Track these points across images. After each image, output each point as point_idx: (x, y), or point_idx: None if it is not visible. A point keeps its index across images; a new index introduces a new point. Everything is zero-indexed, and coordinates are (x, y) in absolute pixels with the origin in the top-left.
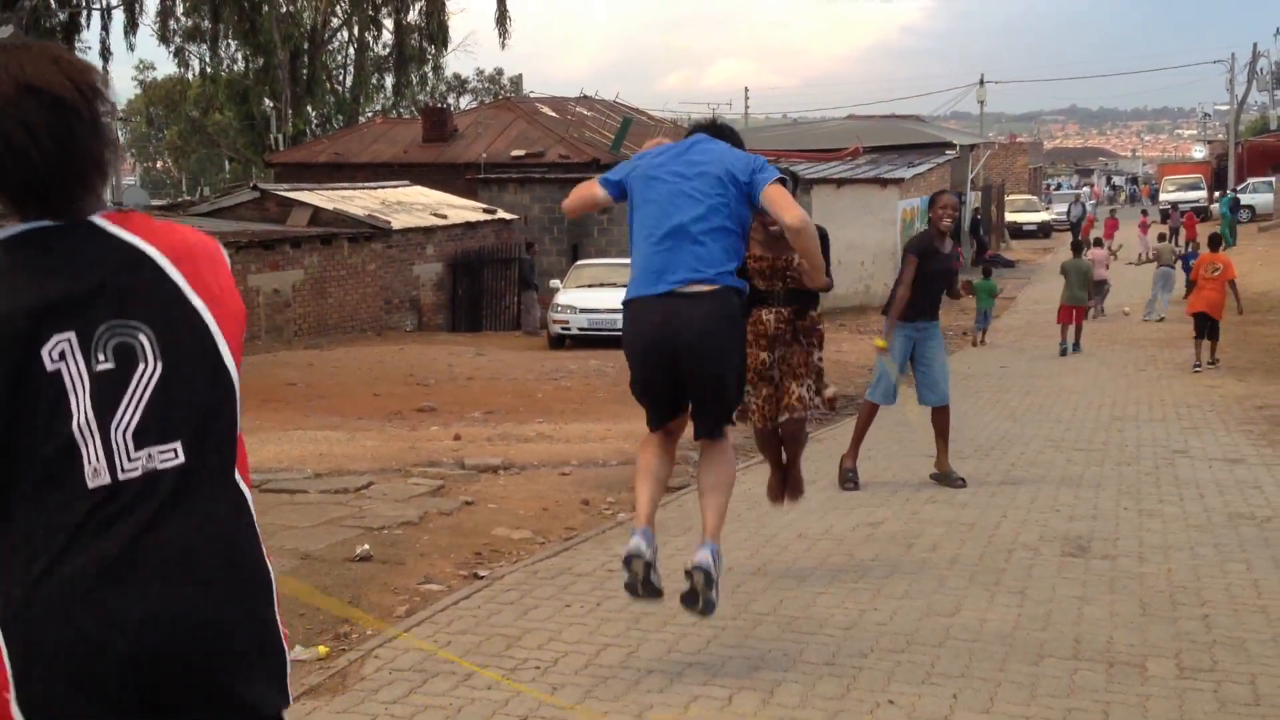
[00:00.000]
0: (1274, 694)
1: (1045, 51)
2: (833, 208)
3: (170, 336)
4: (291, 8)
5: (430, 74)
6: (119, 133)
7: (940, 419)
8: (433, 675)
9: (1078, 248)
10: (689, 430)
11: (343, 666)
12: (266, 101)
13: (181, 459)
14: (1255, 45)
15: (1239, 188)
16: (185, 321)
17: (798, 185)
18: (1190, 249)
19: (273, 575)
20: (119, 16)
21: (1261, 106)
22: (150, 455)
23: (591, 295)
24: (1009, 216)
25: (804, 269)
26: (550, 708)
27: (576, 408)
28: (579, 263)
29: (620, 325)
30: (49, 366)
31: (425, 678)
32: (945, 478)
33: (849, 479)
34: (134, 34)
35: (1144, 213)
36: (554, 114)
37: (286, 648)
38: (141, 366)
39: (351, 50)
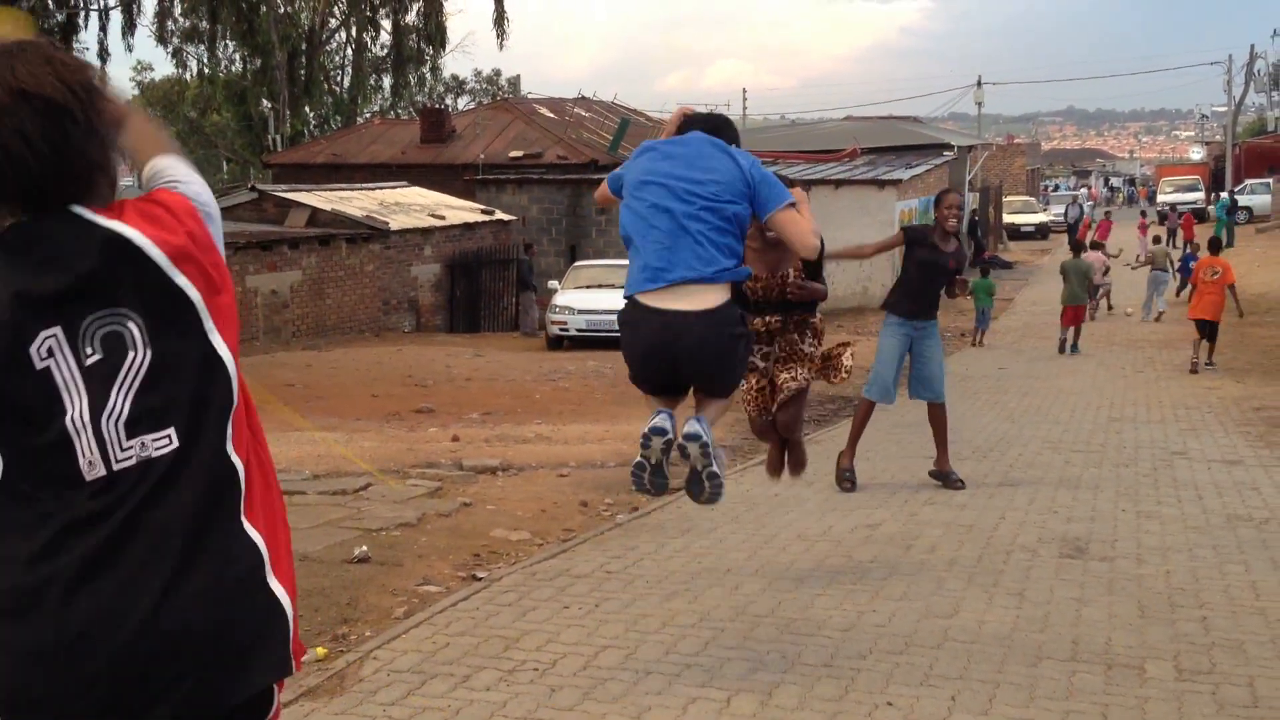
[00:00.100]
0: (1272, 696)
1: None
2: (830, 209)
3: (158, 322)
4: (289, 8)
5: (428, 75)
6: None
7: (936, 417)
8: (431, 677)
9: (1077, 248)
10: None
11: (341, 668)
12: (264, 102)
13: (176, 444)
14: (1253, 47)
15: (1237, 189)
16: (172, 306)
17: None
18: (1189, 250)
19: (260, 544)
20: (117, 17)
21: (1259, 108)
22: (144, 444)
23: (590, 296)
24: (1007, 218)
25: (808, 286)
26: (549, 709)
27: (574, 409)
28: (577, 264)
29: (617, 316)
30: (38, 364)
31: (424, 679)
32: (944, 477)
33: (846, 478)
34: (132, 35)
35: (1143, 214)
36: (552, 115)
37: (291, 606)
38: (131, 355)
39: (349, 51)
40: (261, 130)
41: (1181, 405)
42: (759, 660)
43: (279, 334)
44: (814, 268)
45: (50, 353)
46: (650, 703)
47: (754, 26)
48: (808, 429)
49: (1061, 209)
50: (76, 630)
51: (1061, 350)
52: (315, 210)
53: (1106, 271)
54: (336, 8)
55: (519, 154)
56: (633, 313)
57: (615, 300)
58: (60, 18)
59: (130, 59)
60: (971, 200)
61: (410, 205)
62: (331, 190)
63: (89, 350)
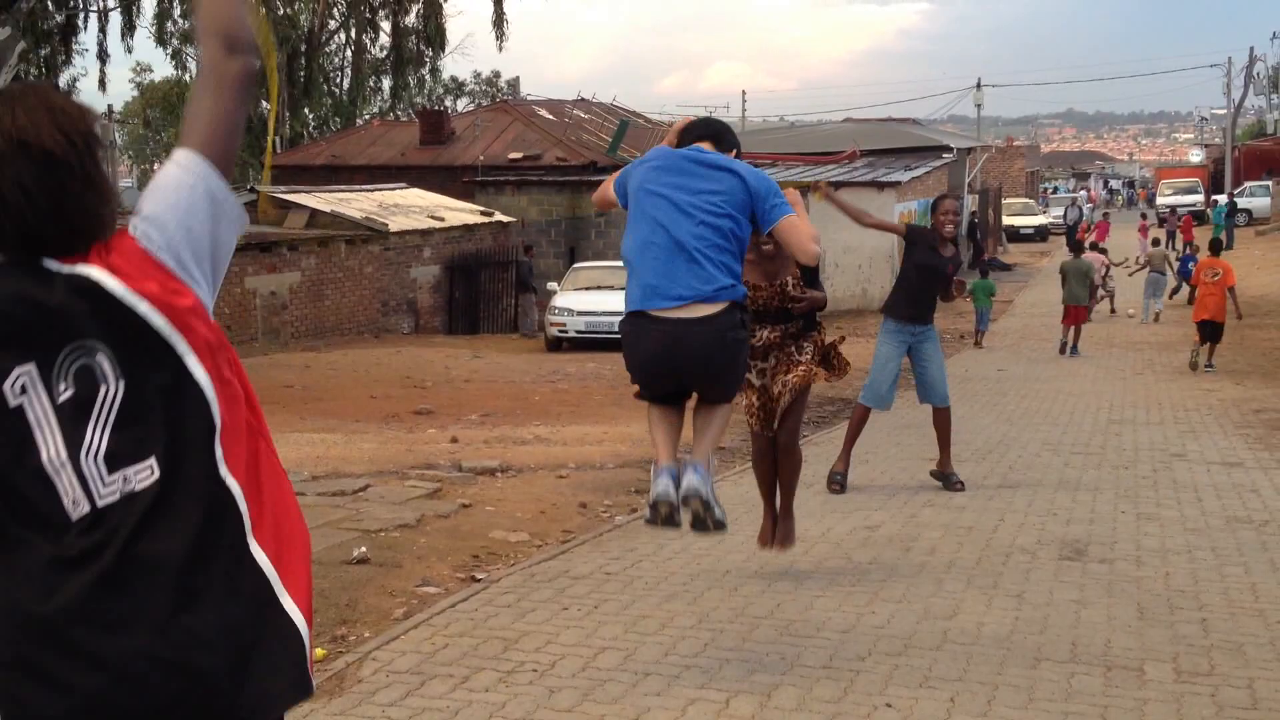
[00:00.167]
0: (1271, 698)
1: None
2: (829, 211)
3: (128, 352)
4: (289, 10)
5: (428, 77)
6: (114, 164)
7: (941, 420)
8: (430, 678)
9: (1077, 247)
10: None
11: (340, 669)
12: (263, 104)
13: (158, 474)
14: (1252, 49)
15: (1236, 192)
16: (139, 336)
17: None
18: (1188, 251)
19: (267, 566)
20: (116, 19)
21: (1258, 110)
22: (126, 477)
23: (589, 298)
24: (1006, 220)
25: (806, 297)
26: (548, 710)
27: (574, 410)
28: (576, 265)
29: (617, 329)
30: (11, 402)
31: (423, 680)
32: (945, 479)
33: (835, 481)
34: (131, 36)
35: (1143, 216)
36: (551, 116)
37: (306, 624)
38: (104, 388)
39: (349, 53)
40: (261, 132)
41: (1181, 407)
42: (758, 662)
43: (278, 335)
44: (811, 274)
45: (24, 389)
46: (649, 704)
47: (752, 29)
48: (806, 430)
49: (1060, 211)
50: (79, 676)
51: (1062, 352)
52: (314, 212)
53: (1107, 272)
54: (336, 9)
55: (518, 156)
56: (634, 323)
57: (614, 302)
58: (60, 19)
59: (130, 60)
60: (971, 202)
61: (409, 207)
62: (331, 192)
63: (61, 386)
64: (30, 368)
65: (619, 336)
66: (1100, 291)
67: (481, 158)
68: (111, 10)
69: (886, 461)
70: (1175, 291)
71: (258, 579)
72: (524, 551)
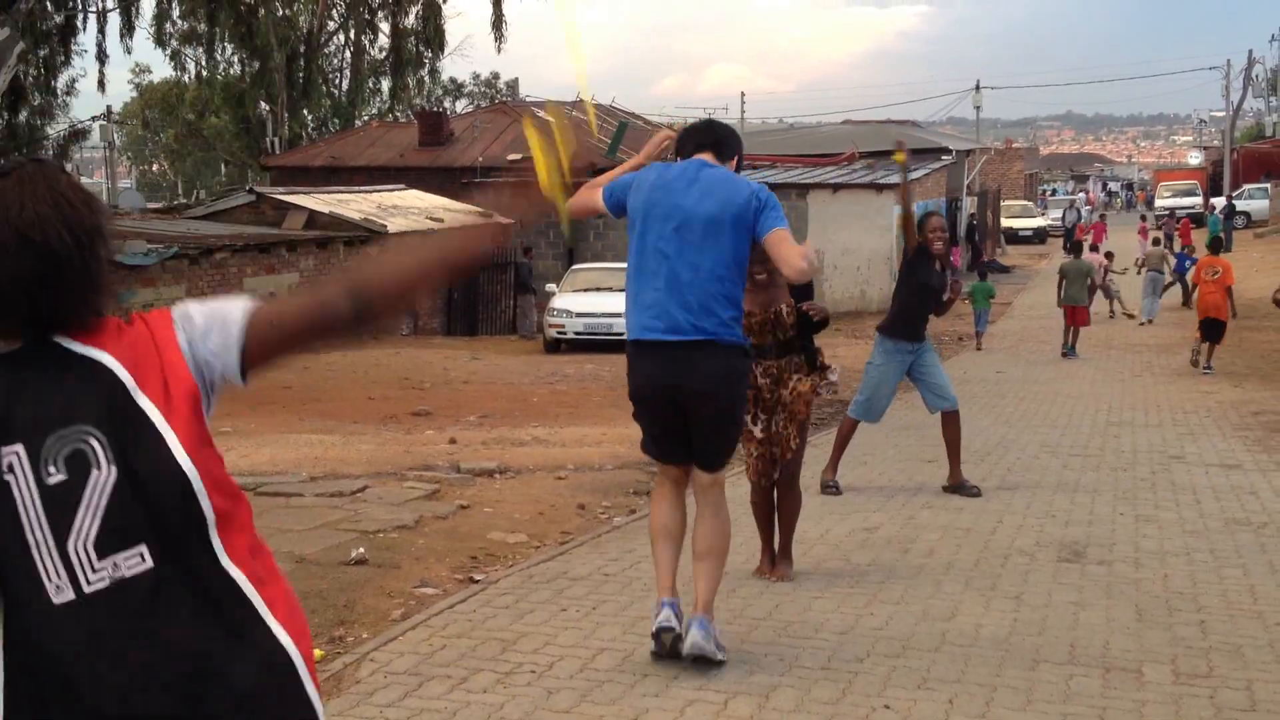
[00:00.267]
0: (1270, 699)
1: (1041, 57)
2: (828, 212)
3: (121, 439)
4: (288, 11)
5: (427, 78)
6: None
7: (950, 430)
8: (428, 679)
9: (1076, 248)
10: None
11: (338, 670)
12: (263, 105)
13: (150, 564)
14: (1251, 52)
15: (1234, 194)
16: (134, 423)
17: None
18: (1184, 252)
19: (290, 646)
20: (115, 19)
21: (1257, 113)
22: (115, 564)
23: (587, 299)
24: (1005, 222)
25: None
26: (546, 711)
27: (572, 411)
28: (575, 267)
29: (616, 330)
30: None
31: (421, 681)
32: (960, 488)
33: (829, 487)
34: (130, 37)
35: (1143, 218)
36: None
37: (320, 707)
38: (95, 474)
39: (348, 54)
40: (260, 133)
41: (1179, 409)
42: (756, 663)
43: None
44: (804, 292)
45: (10, 469)
46: (647, 705)
47: (751, 31)
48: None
49: (1059, 213)
50: None
51: (1065, 355)
52: (313, 213)
53: (1105, 274)
54: (335, 10)
55: (517, 157)
56: (635, 350)
57: (613, 303)
58: (59, 19)
59: (128, 61)
60: (970, 205)
61: (408, 208)
62: (330, 193)
63: (51, 469)
64: (18, 448)
65: (618, 338)
66: (1110, 297)
67: (480, 159)
68: (110, 11)
69: (885, 463)
70: (1168, 287)
71: (281, 667)
72: (522, 553)
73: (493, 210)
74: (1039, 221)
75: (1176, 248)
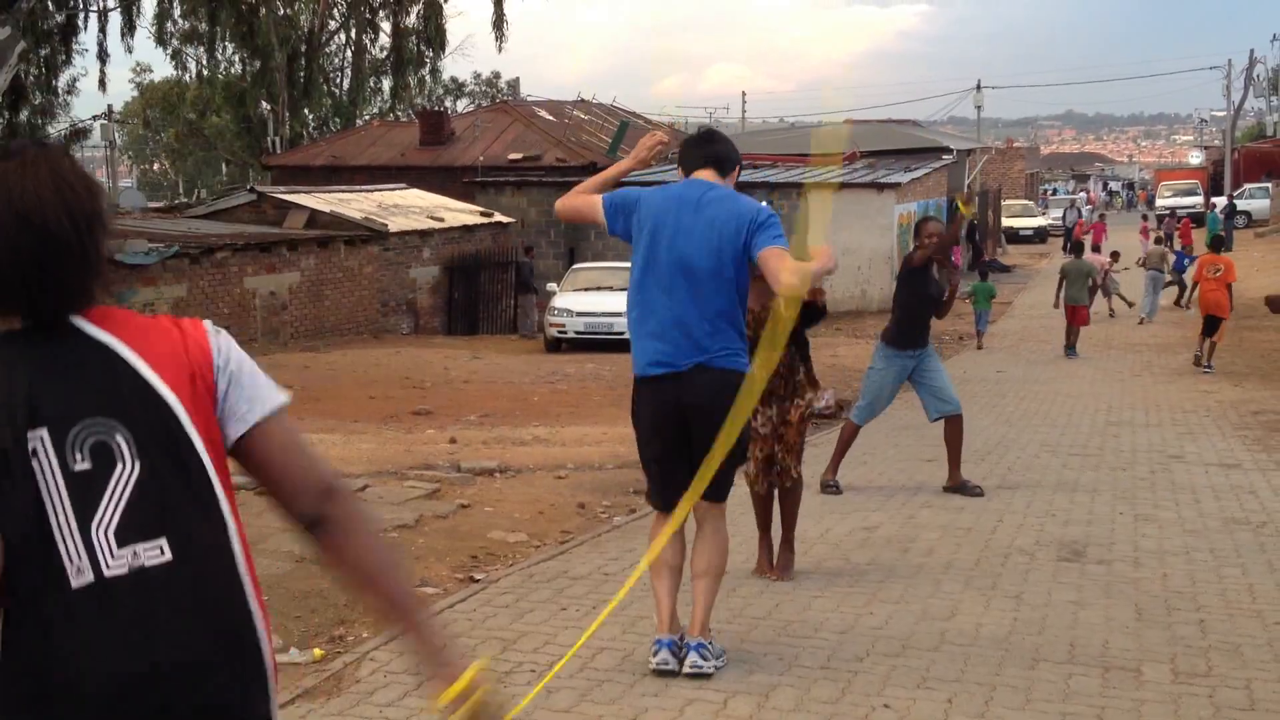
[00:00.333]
0: (1269, 699)
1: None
2: (831, 211)
3: (145, 435)
4: (289, 11)
5: (428, 77)
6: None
7: (953, 431)
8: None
9: (1078, 248)
10: None
11: (338, 669)
12: (264, 104)
13: (169, 556)
14: (1252, 52)
15: (1235, 194)
16: (159, 420)
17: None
18: (1183, 251)
19: (270, 662)
20: (116, 19)
21: (1258, 113)
22: (135, 553)
23: (588, 299)
24: (1006, 221)
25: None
26: (546, 711)
27: (572, 411)
28: (576, 266)
29: (616, 329)
30: (27, 461)
31: (420, 680)
32: (961, 489)
33: (829, 487)
34: (131, 36)
35: (1144, 218)
36: (551, 117)
37: None
38: (120, 467)
39: (349, 53)
40: (261, 132)
41: (1179, 409)
42: (756, 662)
43: (277, 335)
44: (811, 315)
45: (35, 453)
46: (647, 704)
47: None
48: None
49: (1060, 213)
50: None
51: (1068, 355)
52: (314, 212)
53: (1105, 275)
54: (336, 10)
55: (518, 156)
56: (644, 382)
57: (613, 303)
58: (60, 19)
59: (129, 60)
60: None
61: (409, 207)
62: (330, 192)
63: (77, 457)
64: (43, 432)
65: (618, 338)
66: (1109, 295)
67: (481, 158)
68: (111, 10)
69: (884, 463)
70: (1168, 285)
71: (260, 678)
72: (522, 552)
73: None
74: (1040, 221)
75: (1176, 246)
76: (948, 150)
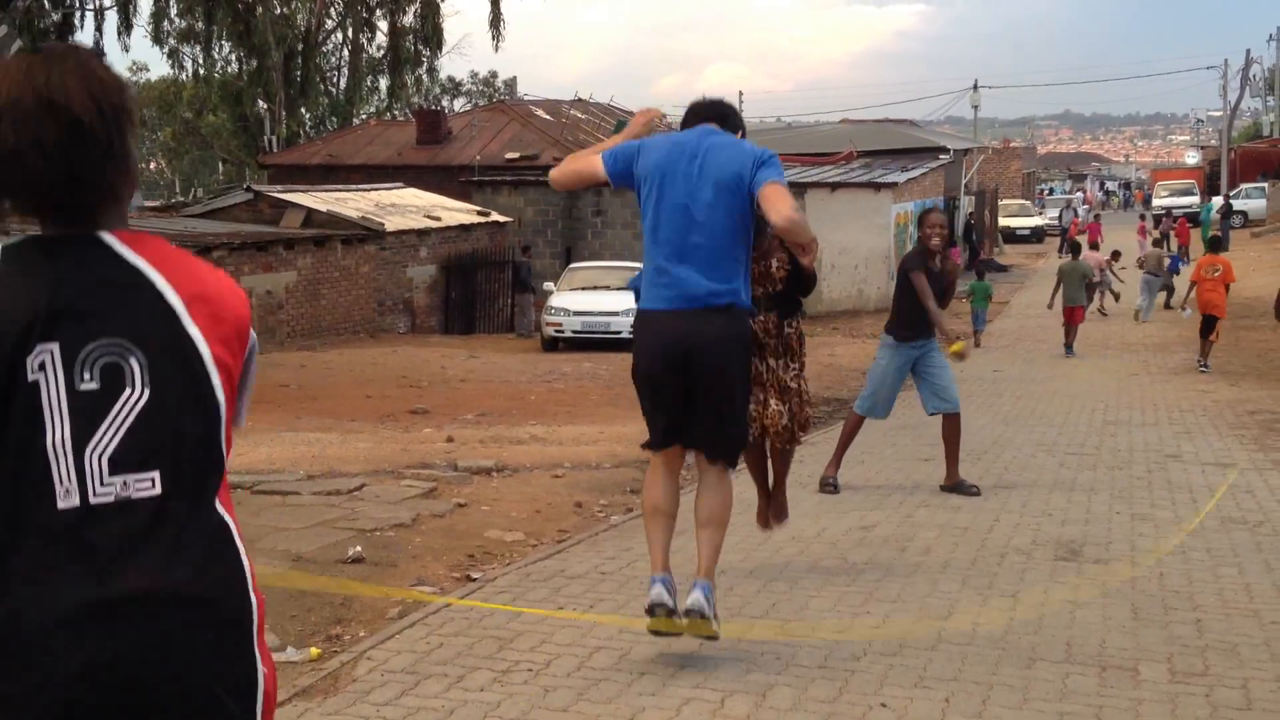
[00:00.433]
0: (1266, 698)
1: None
2: (826, 211)
3: (161, 363)
4: (285, 9)
5: (425, 76)
6: (139, 148)
7: (950, 429)
8: (425, 677)
9: (1075, 249)
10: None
11: (335, 668)
12: (260, 103)
13: (158, 490)
14: (1248, 52)
15: (1232, 193)
16: (178, 350)
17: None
18: (1176, 254)
19: (255, 605)
20: (112, 17)
21: (1254, 113)
22: (125, 483)
23: (585, 298)
24: (1002, 221)
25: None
26: (543, 710)
27: (569, 410)
28: (572, 265)
29: (613, 328)
30: (29, 377)
31: (418, 680)
32: (958, 488)
33: (827, 485)
34: (128, 35)
35: (1142, 218)
36: (548, 117)
37: (263, 683)
38: (128, 391)
39: (346, 52)
40: (257, 131)
41: (1176, 408)
42: (753, 661)
43: (274, 335)
44: (800, 289)
45: (42, 367)
46: (644, 704)
47: (749, 31)
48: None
49: (1056, 213)
50: (35, 687)
51: (1067, 355)
52: (311, 211)
53: (1103, 274)
54: (333, 9)
55: (515, 156)
56: (644, 317)
57: (611, 302)
58: (56, 17)
59: (126, 59)
60: (967, 204)
61: (406, 206)
62: (327, 191)
63: (86, 376)
64: (53, 347)
65: (615, 337)
66: (1102, 291)
67: (478, 158)
68: (108, 9)
69: (882, 462)
70: (1163, 289)
71: (247, 617)
72: (519, 551)
73: None
74: (1036, 221)
75: (1173, 246)
76: (945, 150)
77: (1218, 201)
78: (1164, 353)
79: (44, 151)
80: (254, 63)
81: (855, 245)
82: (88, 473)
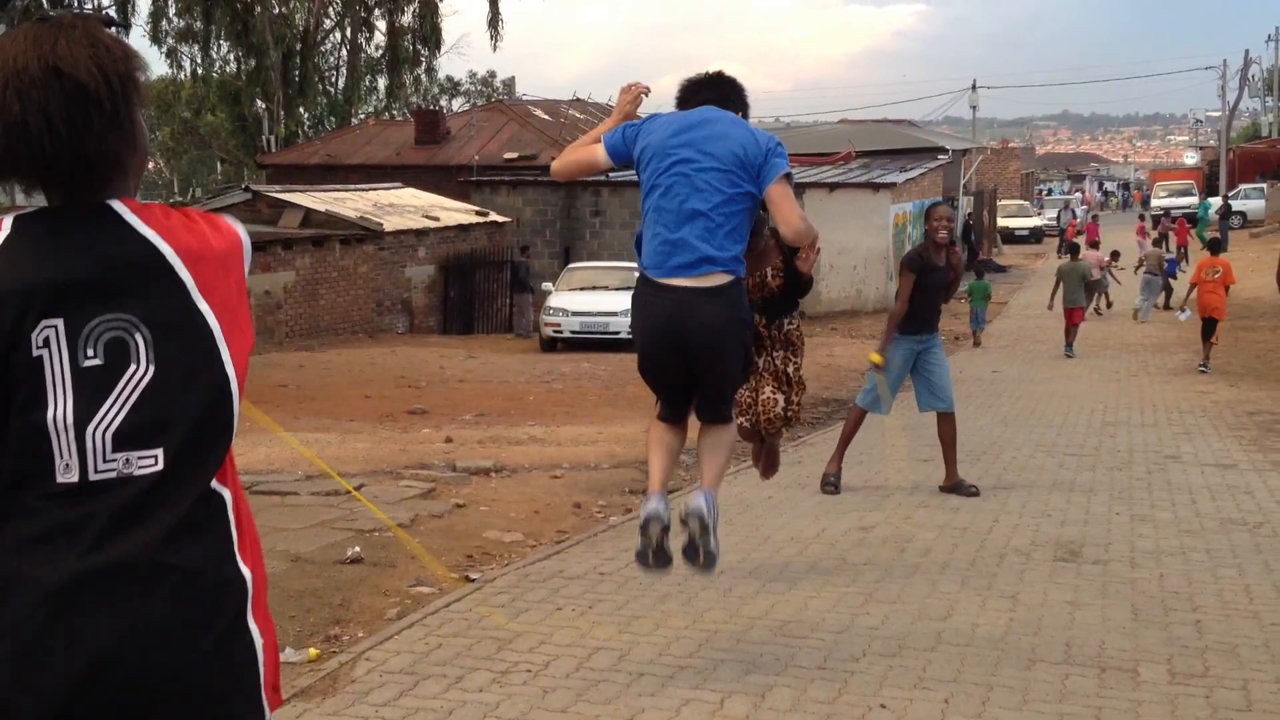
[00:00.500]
0: (1266, 699)
1: (1038, 57)
2: (825, 212)
3: (168, 339)
4: (284, 9)
5: (423, 76)
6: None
7: (946, 428)
8: (424, 678)
9: (1074, 250)
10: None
11: (333, 669)
12: (258, 103)
13: (160, 467)
14: (1247, 52)
15: (1231, 194)
16: (188, 326)
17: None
18: (1173, 257)
19: (249, 581)
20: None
21: (1253, 113)
22: (128, 459)
23: (583, 298)
24: (1001, 222)
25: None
26: (541, 711)
27: (568, 410)
28: (571, 265)
29: (612, 329)
30: (34, 351)
31: (416, 680)
32: (957, 489)
33: (829, 483)
34: (126, 34)
35: (1141, 218)
36: (546, 117)
37: (262, 655)
38: (133, 367)
39: (344, 52)
40: (256, 131)
41: (1175, 409)
42: (752, 662)
43: (272, 335)
44: (797, 289)
45: (46, 343)
46: (643, 704)
47: (749, 30)
48: (801, 431)
49: (1055, 213)
50: (29, 670)
51: (1068, 356)
52: (309, 211)
53: (1102, 274)
54: (331, 9)
55: (513, 156)
56: (644, 289)
57: (609, 302)
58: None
59: None
60: (966, 204)
61: (404, 206)
62: (326, 191)
63: (90, 352)
64: (58, 322)
65: (613, 337)
66: (1100, 291)
67: (477, 157)
68: (106, 9)
69: (881, 462)
70: (1162, 291)
71: (239, 594)
72: (518, 551)
73: None
74: (1035, 221)
75: (1172, 247)
76: (943, 150)
77: (1215, 200)
78: (1163, 353)
79: (49, 121)
80: (252, 62)
81: (854, 246)
82: (89, 449)
